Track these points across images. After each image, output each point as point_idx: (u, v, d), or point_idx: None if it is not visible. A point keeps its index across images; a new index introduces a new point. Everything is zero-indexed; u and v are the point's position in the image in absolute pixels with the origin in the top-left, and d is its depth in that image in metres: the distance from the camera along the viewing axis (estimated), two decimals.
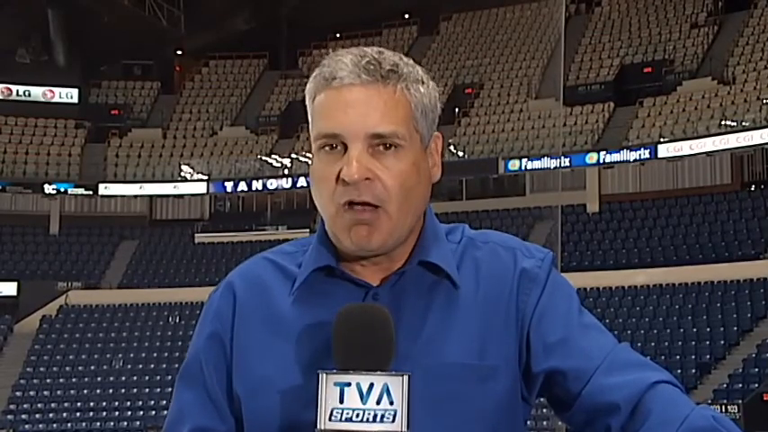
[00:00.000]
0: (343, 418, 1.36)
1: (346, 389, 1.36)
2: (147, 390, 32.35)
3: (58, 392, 32.73)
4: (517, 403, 1.63)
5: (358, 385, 1.36)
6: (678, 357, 28.15)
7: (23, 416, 31.74)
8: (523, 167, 36.74)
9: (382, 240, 1.56)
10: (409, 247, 1.63)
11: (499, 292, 1.64)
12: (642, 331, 29.67)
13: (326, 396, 1.36)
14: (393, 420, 1.35)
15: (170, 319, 35.84)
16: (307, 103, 1.63)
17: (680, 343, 28.82)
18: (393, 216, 1.56)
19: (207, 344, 1.66)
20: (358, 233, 1.55)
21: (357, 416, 1.35)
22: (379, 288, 1.61)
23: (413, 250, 1.63)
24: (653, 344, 28.90)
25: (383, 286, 1.62)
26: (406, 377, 1.36)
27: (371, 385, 1.36)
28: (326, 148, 1.56)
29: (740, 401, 24.74)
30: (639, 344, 28.20)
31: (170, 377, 31.92)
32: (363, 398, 1.36)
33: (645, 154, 34.79)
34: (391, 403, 1.36)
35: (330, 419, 1.36)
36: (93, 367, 33.80)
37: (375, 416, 1.35)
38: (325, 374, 1.37)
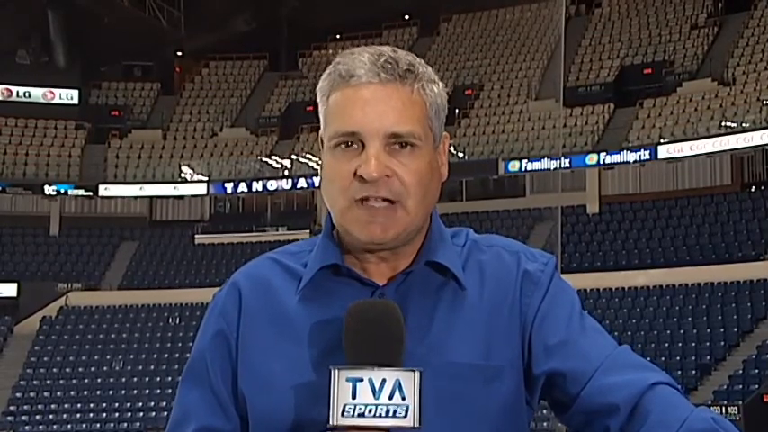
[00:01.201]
0: (356, 414, 1.36)
1: (359, 384, 1.37)
2: (147, 391, 32.34)
3: (58, 393, 32.72)
4: (521, 405, 1.64)
5: (370, 381, 1.37)
6: (678, 358, 28.14)
7: (23, 417, 31.73)
8: (523, 168, 36.75)
9: (396, 234, 1.57)
10: (416, 246, 1.64)
11: (503, 295, 1.65)
12: (642, 332, 29.66)
13: (339, 391, 1.37)
14: (405, 415, 1.36)
15: (170, 320, 35.83)
16: (319, 100, 1.63)
17: (680, 344, 28.82)
18: (411, 211, 1.57)
19: (212, 343, 1.67)
20: (372, 230, 1.56)
21: (369, 411, 1.36)
22: (385, 287, 1.62)
23: (419, 250, 1.64)
24: (653, 345, 28.89)
25: (389, 285, 1.63)
26: (417, 373, 1.37)
27: (384, 381, 1.37)
28: (342, 145, 1.57)
29: (740, 403, 24.73)
30: (639, 345, 28.19)
31: (170, 378, 31.92)
32: (376, 393, 1.37)
33: (645, 155, 34.80)
34: (403, 398, 1.37)
35: (342, 415, 1.36)
36: (93, 368, 33.79)
37: (387, 411, 1.36)
38: (337, 370, 1.38)
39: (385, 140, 1.55)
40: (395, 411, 1.36)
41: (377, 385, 1.37)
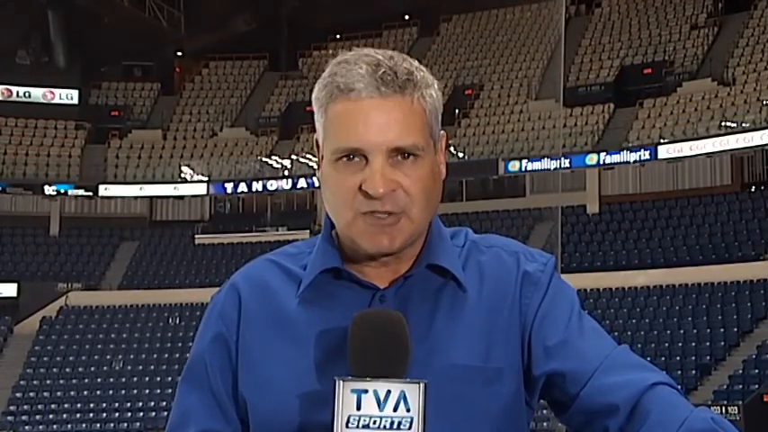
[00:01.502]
0: (360, 425, 1.36)
1: (363, 396, 1.37)
2: (147, 391, 32.34)
3: (58, 393, 32.72)
4: (521, 406, 1.65)
5: (375, 392, 1.37)
6: (678, 358, 28.15)
7: (23, 417, 31.73)
8: (523, 168, 36.75)
9: (403, 242, 1.57)
10: (417, 248, 1.64)
11: (502, 296, 1.65)
12: (642, 332, 29.67)
13: (343, 403, 1.37)
14: (409, 427, 1.36)
15: (170, 320, 35.83)
16: (315, 109, 1.62)
17: (680, 344, 28.82)
18: (415, 220, 1.57)
19: (211, 345, 1.66)
20: (379, 240, 1.56)
21: (374, 423, 1.36)
22: (386, 290, 1.62)
23: (420, 252, 1.64)
24: (653, 345, 28.90)
25: (390, 288, 1.62)
26: (422, 385, 1.37)
27: (388, 392, 1.37)
28: (344, 158, 1.56)
29: (740, 403, 24.74)
30: (639, 345, 28.20)
31: (170, 378, 31.92)
32: (380, 405, 1.36)
33: (645, 155, 34.80)
34: (408, 410, 1.36)
35: (347, 426, 1.36)
36: (93, 368, 33.80)
37: (392, 423, 1.36)
38: (342, 381, 1.38)
39: (388, 154, 1.54)
40: (399, 423, 1.36)
41: (382, 397, 1.36)
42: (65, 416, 31.67)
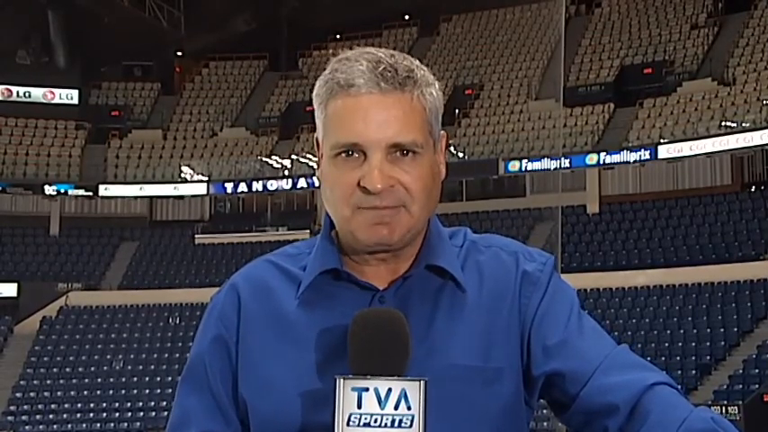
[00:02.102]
0: (362, 423, 1.36)
1: (364, 394, 1.36)
2: (147, 391, 32.34)
3: (59, 393, 32.72)
4: (521, 406, 1.65)
5: (376, 390, 1.37)
6: (678, 358, 28.14)
7: (24, 417, 31.73)
8: (523, 168, 36.75)
9: (402, 235, 1.57)
10: (416, 248, 1.64)
11: (502, 296, 1.65)
12: (642, 332, 29.66)
13: (344, 401, 1.37)
14: (410, 425, 1.36)
15: (170, 320, 35.83)
16: (315, 106, 1.62)
17: (680, 344, 28.82)
18: (414, 215, 1.57)
19: (211, 347, 1.66)
20: (378, 231, 1.56)
21: (375, 421, 1.36)
22: (385, 291, 1.62)
23: (419, 252, 1.64)
24: (653, 345, 28.90)
25: (389, 289, 1.62)
26: (422, 382, 1.37)
27: (389, 390, 1.37)
28: (343, 154, 1.56)
29: (740, 403, 24.73)
30: (639, 345, 28.19)
31: (170, 378, 31.92)
32: (381, 403, 1.36)
33: (645, 155, 34.80)
34: (409, 408, 1.36)
35: (348, 424, 1.36)
36: (93, 368, 33.79)
37: (393, 421, 1.36)
38: (342, 379, 1.37)
39: (387, 150, 1.54)
40: (400, 421, 1.36)
41: (382, 395, 1.37)
42: (65, 416, 31.67)
